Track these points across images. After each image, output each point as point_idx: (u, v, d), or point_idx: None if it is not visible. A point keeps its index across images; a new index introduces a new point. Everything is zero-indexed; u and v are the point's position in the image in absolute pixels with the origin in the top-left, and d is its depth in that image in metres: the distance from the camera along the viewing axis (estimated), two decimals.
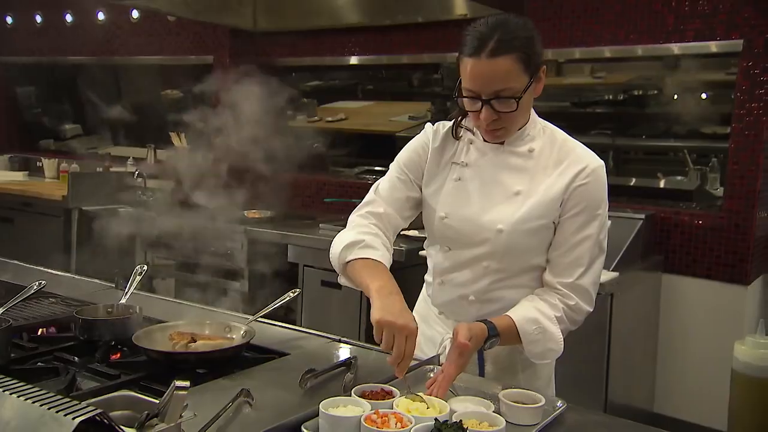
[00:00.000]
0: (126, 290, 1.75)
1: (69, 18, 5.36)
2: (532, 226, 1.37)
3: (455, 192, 1.43)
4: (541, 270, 1.42)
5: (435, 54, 3.87)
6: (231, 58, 4.42)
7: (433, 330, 1.55)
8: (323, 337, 1.69)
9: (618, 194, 3.39)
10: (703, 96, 3.28)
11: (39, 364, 1.41)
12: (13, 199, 4.63)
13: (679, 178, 3.35)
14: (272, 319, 1.73)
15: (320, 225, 3.52)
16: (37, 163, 5.49)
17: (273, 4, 3.91)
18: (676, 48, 3.16)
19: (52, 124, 6.07)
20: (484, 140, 1.43)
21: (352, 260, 1.39)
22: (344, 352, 1.60)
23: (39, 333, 1.62)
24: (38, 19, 5.58)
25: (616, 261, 2.69)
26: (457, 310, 1.49)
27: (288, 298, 1.72)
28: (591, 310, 1.41)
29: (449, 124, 1.49)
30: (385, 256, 1.39)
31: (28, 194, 4.57)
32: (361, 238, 1.41)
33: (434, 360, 1.43)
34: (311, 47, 4.27)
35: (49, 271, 2.32)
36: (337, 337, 1.68)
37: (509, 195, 1.39)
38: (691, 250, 3.08)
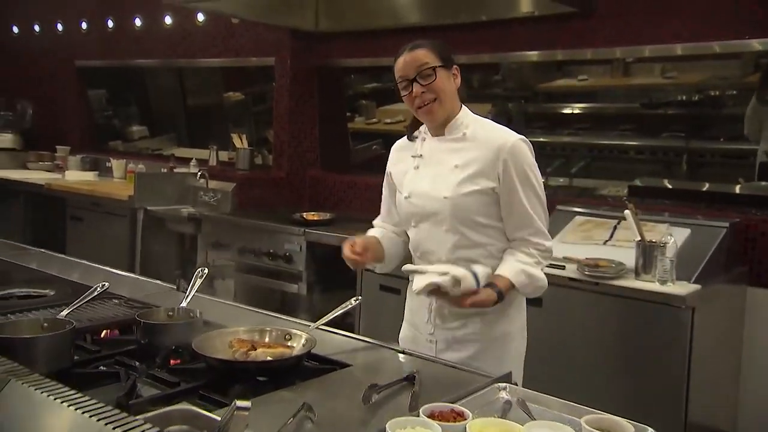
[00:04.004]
0: (187, 293, 1.74)
1: (138, 22, 5.51)
2: (469, 191, 1.71)
3: (414, 177, 1.82)
4: (490, 230, 1.74)
5: (496, 54, 3.72)
6: (292, 60, 4.42)
7: (419, 331, 1.82)
8: (385, 347, 1.64)
9: (695, 200, 3.19)
10: None
11: (101, 368, 1.41)
12: (84, 199, 4.78)
13: (763, 183, 3.13)
14: (330, 324, 1.69)
15: None
16: (107, 163, 5.66)
17: (334, 4, 3.89)
18: (757, 44, 2.95)
19: (121, 125, 6.26)
20: (432, 136, 1.81)
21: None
22: (407, 364, 1.54)
23: (102, 335, 1.62)
24: (110, 24, 5.76)
25: (697, 273, 2.49)
26: None
27: (349, 306, 1.68)
28: (551, 242, 1.79)
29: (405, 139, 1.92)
30: (378, 232, 1.93)
31: (97, 194, 4.71)
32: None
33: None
34: (371, 48, 4.22)
35: (114, 271, 2.35)
36: (401, 349, 1.63)
37: (450, 169, 1.75)
38: None
